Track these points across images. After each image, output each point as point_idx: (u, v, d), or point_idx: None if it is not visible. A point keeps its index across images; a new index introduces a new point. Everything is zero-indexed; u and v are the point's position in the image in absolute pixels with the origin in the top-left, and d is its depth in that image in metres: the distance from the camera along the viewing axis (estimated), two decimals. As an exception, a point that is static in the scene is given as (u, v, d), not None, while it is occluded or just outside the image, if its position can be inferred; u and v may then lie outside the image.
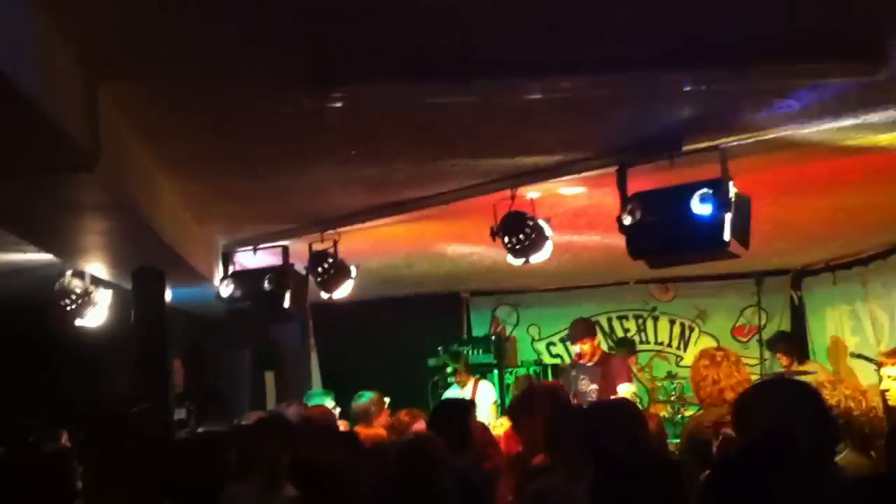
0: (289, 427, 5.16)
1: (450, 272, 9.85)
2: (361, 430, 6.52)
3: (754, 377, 9.73)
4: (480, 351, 10.87)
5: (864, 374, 8.63)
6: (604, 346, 9.60)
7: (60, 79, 3.33)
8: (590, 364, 8.36)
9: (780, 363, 9.31)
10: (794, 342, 9.65)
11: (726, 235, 4.83)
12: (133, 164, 4.66)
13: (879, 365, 6.47)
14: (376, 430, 6.54)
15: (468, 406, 5.93)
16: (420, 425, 6.25)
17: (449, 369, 9.52)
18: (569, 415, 4.96)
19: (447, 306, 12.06)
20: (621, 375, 8.22)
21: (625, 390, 8.01)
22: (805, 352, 9.98)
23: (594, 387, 8.26)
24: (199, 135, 4.59)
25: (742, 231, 4.97)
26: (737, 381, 5.71)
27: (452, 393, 9.35)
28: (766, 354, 10.99)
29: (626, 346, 10.19)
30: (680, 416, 9.19)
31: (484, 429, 6.18)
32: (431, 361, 10.97)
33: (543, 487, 4.41)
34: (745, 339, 11.34)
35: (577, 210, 6.69)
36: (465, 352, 10.21)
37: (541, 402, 5.14)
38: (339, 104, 3.90)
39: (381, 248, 8.00)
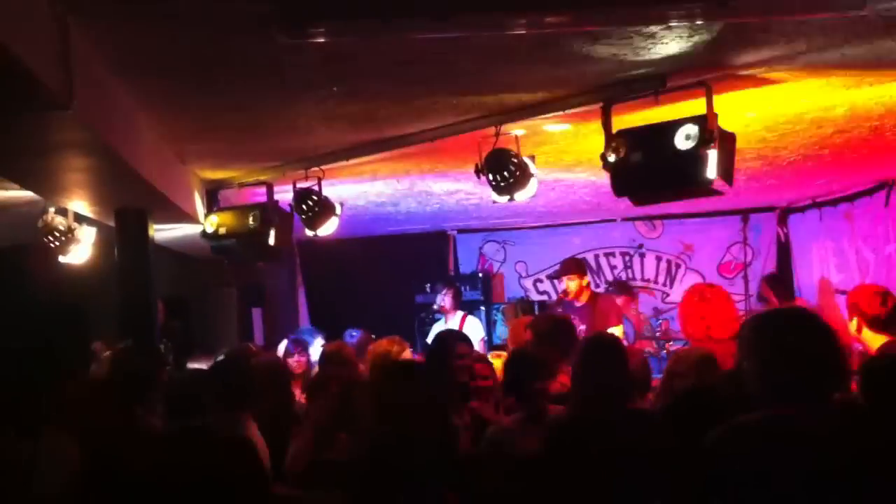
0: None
1: (436, 210, 9.83)
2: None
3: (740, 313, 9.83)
4: (468, 287, 10.96)
5: (848, 311, 8.70)
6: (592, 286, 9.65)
7: (30, 17, 3.28)
8: (579, 304, 8.36)
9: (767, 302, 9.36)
10: (780, 282, 9.72)
11: (710, 172, 4.81)
12: (110, 101, 4.61)
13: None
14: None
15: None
16: (406, 354, 6.34)
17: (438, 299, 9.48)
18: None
19: (434, 244, 12.08)
20: (610, 317, 8.22)
21: (615, 332, 8.05)
22: (791, 289, 10.05)
23: (583, 327, 8.29)
24: (177, 72, 4.52)
25: (726, 167, 4.95)
26: (725, 318, 5.74)
27: (439, 325, 9.36)
28: (752, 290, 11.07)
29: (625, 290, 10.14)
30: (665, 351, 9.28)
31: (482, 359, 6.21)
32: (419, 299, 11.04)
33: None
34: (731, 276, 11.41)
35: (562, 147, 6.66)
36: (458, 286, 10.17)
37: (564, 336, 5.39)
38: (319, 39, 3.85)
39: (366, 186, 7.97)
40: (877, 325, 5.07)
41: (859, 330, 5.15)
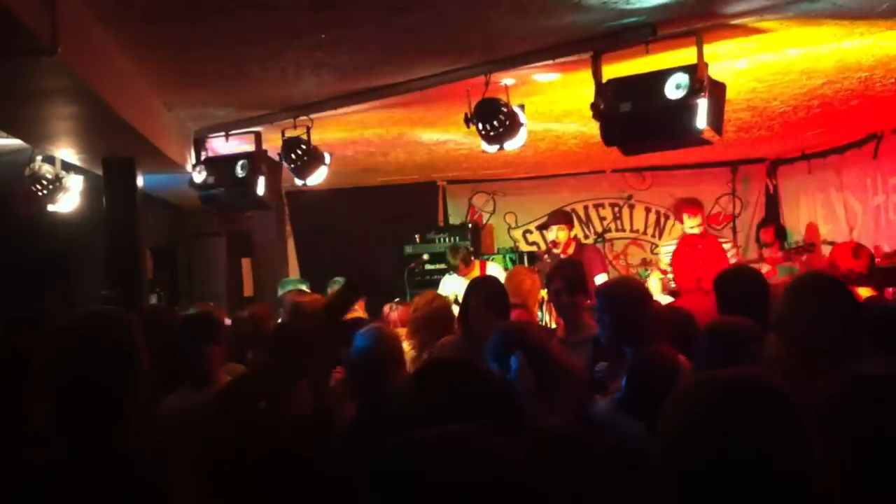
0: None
1: (426, 160, 9.80)
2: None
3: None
4: (457, 238, 10.97)
5: (835, 262, 8.74)
6: (580, 238, 9.61)
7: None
8: (564, 257, 8.37)
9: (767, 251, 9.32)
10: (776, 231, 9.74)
11: (700, 121, 4.81)
12: (96, 48, 4.57)
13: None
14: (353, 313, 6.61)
15: None
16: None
17: (453, 262, 9.42)
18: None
19: (424, 194, 12.06)
20: (595, 265, 8.23)
21: (601, 280, 8.04)
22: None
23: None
24: (163, 18, 4.47)
25: (716, 117, 4.94)
26: (716, 270, 5.76)
27: (452, 281, 9.31)
28: (741, 241, 11.12)
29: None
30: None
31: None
32: (408, 249, 11.06)
33: None
34: (719, 227, 11.44)
35: (552, 97, 6.63)
36: (464, 246, 10.08)
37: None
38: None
39: (355, 136, 7.93)
40: (858, 280, 5.08)
41: None
